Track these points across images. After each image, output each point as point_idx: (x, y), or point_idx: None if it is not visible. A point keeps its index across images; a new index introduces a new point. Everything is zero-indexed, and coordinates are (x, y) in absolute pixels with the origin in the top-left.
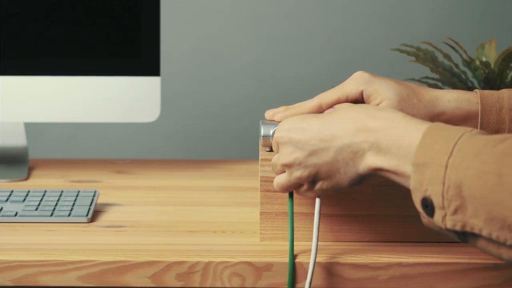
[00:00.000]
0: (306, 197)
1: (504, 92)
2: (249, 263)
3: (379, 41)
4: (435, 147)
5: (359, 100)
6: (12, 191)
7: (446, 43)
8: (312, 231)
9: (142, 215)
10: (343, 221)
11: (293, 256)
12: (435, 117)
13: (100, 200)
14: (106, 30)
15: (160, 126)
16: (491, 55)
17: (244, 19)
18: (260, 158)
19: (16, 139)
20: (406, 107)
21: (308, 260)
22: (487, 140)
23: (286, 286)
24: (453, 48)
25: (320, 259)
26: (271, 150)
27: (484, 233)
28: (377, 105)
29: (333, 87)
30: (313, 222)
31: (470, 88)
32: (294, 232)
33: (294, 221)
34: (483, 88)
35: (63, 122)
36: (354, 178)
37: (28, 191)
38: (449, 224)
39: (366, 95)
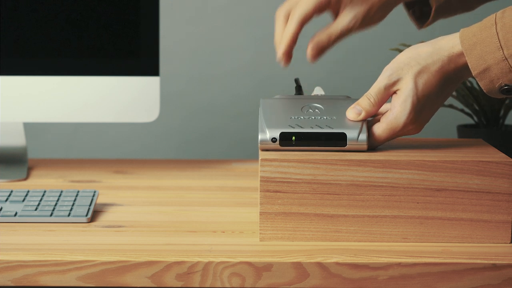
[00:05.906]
0: None
1: None
2: (249, 263)
3: (378, 41)
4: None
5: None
6: (11, 191)
7: None
8: (312, 231)
9: (142, 215)
10: (343, 221)
11: None
12: None
13: (100, 200)
14: (105, 30)
15: (160, 126)
16: None
17: (244, 19)
18: (260, 158)
19: (15, 139)
20: None
21: (308, 260)
22: None
23: (286, 286)
24: None
25: (320, 259)
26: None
27: None
28: None
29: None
30: (312, 222)
31: (469, 88)
32: (294, 232)
33: (294, 221)
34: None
35: (62, 122)
36: None
37: (28, 191)
38: None
39: None
